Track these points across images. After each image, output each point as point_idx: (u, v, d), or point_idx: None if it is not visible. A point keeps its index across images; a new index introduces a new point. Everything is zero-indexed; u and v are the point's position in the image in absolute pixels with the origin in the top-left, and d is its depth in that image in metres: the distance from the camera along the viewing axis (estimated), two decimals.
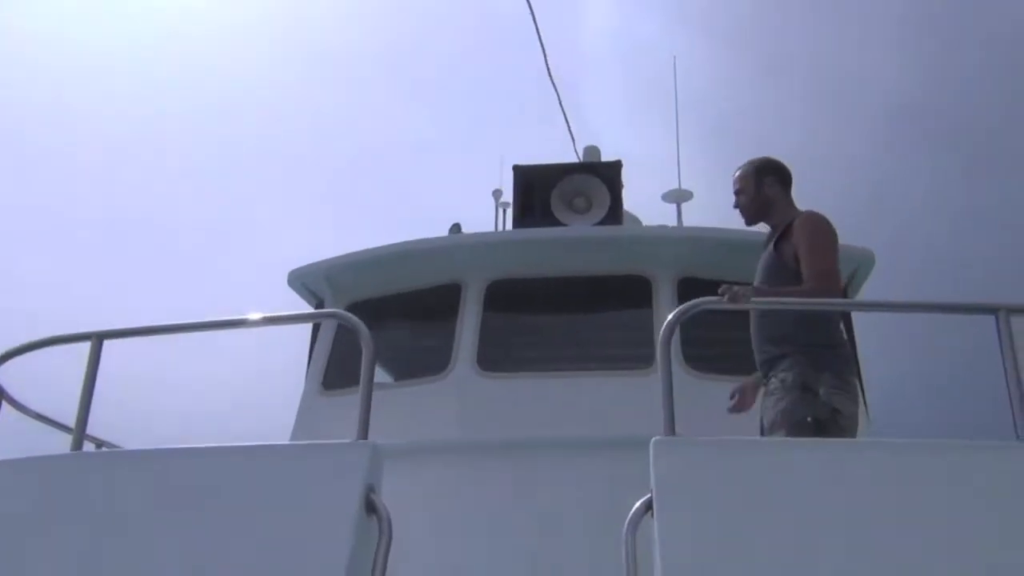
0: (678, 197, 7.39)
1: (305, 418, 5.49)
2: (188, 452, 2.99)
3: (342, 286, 5.83)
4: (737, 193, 4.27)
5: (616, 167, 5.93)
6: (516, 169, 6.03)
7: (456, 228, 6.35)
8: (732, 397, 4.34)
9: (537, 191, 5.90)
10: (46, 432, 4.10)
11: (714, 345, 5.19)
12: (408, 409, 4.97)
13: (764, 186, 4.20)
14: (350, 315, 3.26)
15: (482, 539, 4.35)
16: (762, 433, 3.88)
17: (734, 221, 4.71)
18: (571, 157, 6.81)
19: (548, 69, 6.62)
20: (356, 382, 5.59)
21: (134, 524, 2.83)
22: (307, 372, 5.85)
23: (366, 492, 2.81)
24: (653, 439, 2.91)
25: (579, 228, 5.71)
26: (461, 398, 5.14)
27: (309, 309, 6.13)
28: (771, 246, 4.12)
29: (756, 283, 4.10)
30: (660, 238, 5.66)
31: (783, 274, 3.99)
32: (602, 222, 5.77)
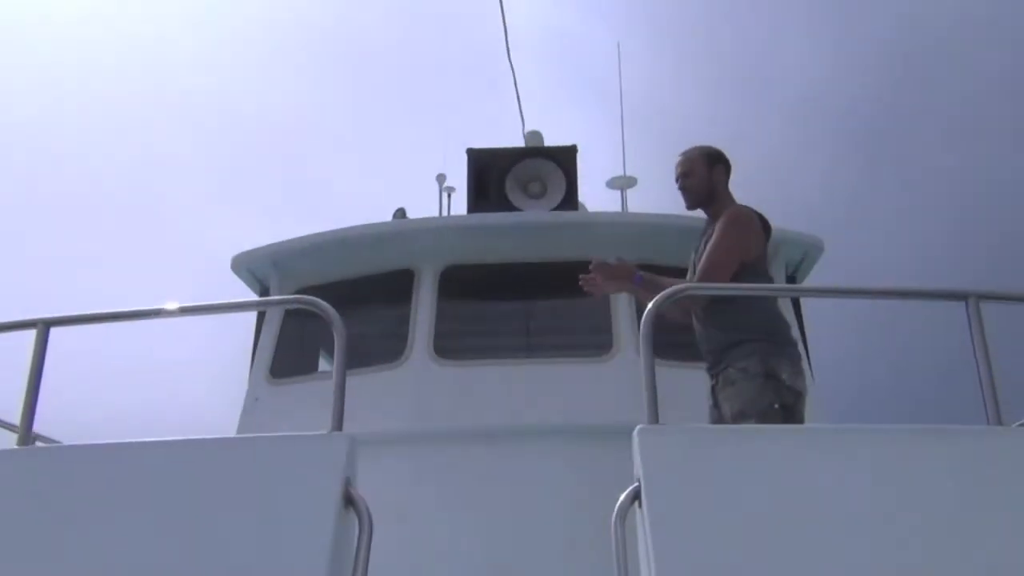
0: (623, 184, 7.36)
1: (253, 409, 5.30)
2: (157, 446, 2.81)
3: (290, 271, 5.65)
4: (685, 175, 4.22)
5: (572, 152, 5.85)
6: (470, 152, 5.89)
7: (401, 213, 6.16)
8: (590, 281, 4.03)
9: (491, 175, 5.79)
10: None
11: (669, 332, 5.19)
12: (362, 399, 4.79)
13: (713, 172, 4.21)
14: (321, 301, 3.09)
15: (453, 530, 4.27)
16: (720, 422, 3.88)
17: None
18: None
19: (508, 50, 6.48)
20: (305, 371, 5.53)
21: (102, 523, 2.64)
22: (252, 361, 5.64)
23: (345, 485, 2.70)
24: (637, 427, 2.85)
25: (536, 213, 5.63)
26: (417, 387, 5.03)
27: (253, 296, 5.93)
28: (708, 236, 4.13)
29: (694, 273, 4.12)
30: (617, 224, 5.63)
31: None
32: (558, 207, 5.69)
